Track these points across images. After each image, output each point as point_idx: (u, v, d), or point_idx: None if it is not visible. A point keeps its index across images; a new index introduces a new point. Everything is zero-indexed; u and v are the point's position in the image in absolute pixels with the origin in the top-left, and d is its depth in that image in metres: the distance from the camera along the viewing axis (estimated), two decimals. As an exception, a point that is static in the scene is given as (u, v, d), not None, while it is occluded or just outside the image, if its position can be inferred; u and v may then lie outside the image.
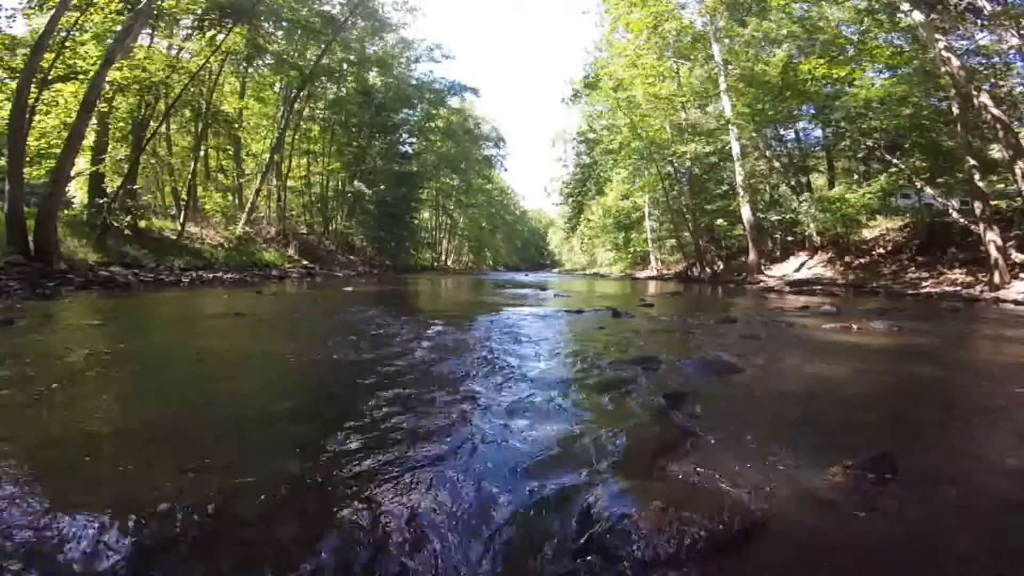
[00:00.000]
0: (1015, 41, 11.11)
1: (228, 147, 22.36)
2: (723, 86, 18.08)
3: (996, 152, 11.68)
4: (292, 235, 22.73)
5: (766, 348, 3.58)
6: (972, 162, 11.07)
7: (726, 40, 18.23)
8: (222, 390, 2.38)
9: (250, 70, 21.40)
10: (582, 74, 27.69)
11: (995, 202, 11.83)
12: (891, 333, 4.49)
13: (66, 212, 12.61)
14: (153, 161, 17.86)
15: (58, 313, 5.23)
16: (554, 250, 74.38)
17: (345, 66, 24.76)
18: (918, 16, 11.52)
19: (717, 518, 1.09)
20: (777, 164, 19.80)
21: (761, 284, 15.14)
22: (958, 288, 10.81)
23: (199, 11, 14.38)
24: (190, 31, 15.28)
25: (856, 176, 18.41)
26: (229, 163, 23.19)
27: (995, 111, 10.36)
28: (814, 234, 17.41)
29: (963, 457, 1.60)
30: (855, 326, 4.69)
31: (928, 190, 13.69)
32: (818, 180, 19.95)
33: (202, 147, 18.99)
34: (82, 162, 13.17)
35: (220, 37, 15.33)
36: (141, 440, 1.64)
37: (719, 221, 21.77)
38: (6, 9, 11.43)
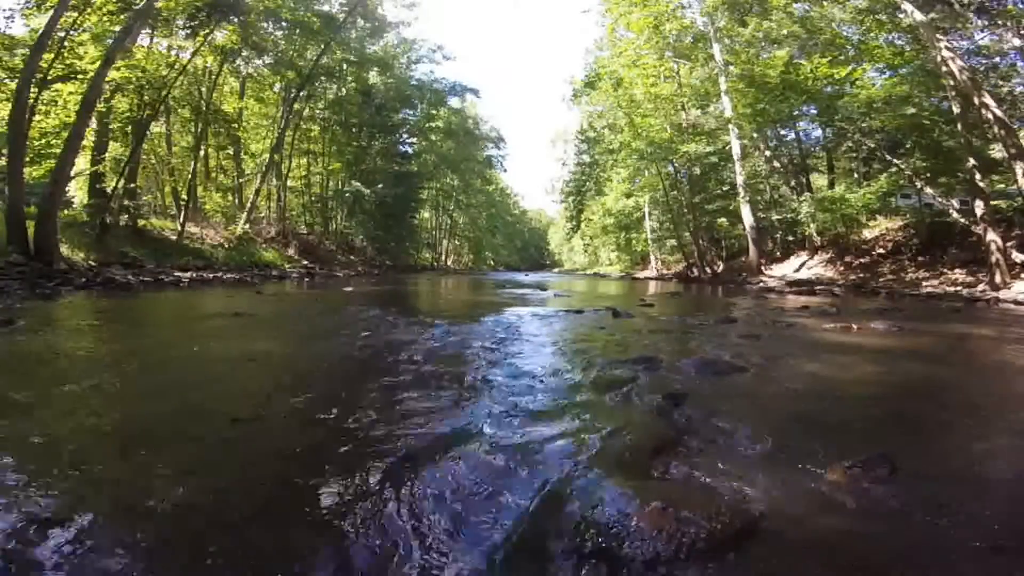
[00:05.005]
0: (1016, 42, 11.11)
1: (228, 147, 22.33)
2: (724, 86, 18.07)
3: (997, 152, 11.68)
4: (292, 235, 22.72)
5: (766, 348, 3.58)
6: (973, 162, 11.07)
7: (727, 40, 18.22)
8: (222, 390, 2.37)
9: (248, 69, 21.37)
10: (583, 74, 27.67)
11: (995, 202, 11.82)
12: (891, 333, 4.49)
13: (66, 212, 12.60)
14: (153, 161, 17.86)
15: (58, 313, 5.23)
16: (554, 250, 74.35)
17: (345, 66, 24.75)
18: (919, 16, 11.51)
19: (716, 518, 1.09)
20: (777, 164, 19.79)
21: (761, 284, 15.13)
22: (958, 288, 10.80)
23: (192, 10, 14.34)
24: (187, 31, 15.25)
25: (856, 176, 18.40)
26: (229, 163, 23.18)
27: (996, 111, 10.35)
28: (814, 234, 17.42)
29: (962, 457, 1.60)
30: (855, 326, 4.68)
31: (928, 190, 13.68)
32: (818, 180, 19.94)
33: (202, 147, 18.98)
34: (82, 162, 13.17)
35: (211, 34, 15.32)
36: (141, 440, 1.64)
37: (719, 221, 21.77)
38: (4, 10, 11.44)
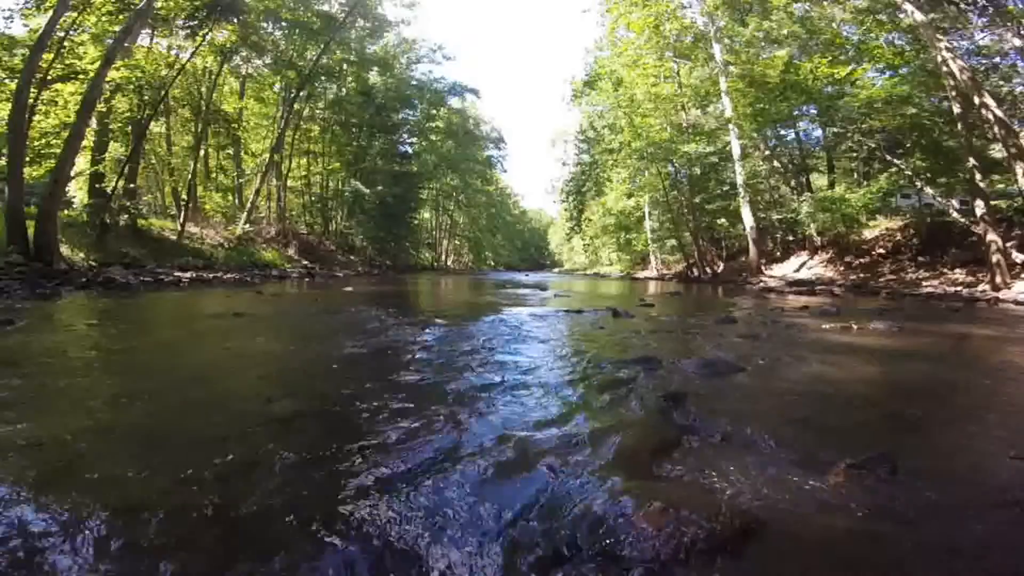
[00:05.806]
0: (1016, 42, 11.10)
1: (228, 147, 22.34)
2: (724, 86, 18.06)
3: (997, 152, 11.68)
4: (292, 235, 22.71)
5: (766, 348, 3.58)
6: (973, 162, 11.06)
7: (727, 40, 18.21)
8: (221, 390, 2.37)
9: (248, 69, 21.36)
10: (583, 74, 27.68)
11: (995, 202, 11.82)
12: (891, 333, 4.48)
13: (66, 212, 12.60)
14: (153, 161, 17.86)
15: (58, 313, 5.23)
16: (554, 250, 74.27)
17: (345, 66, 24.75)
18: (919, 16, 11.51)
19: (717, 518, 1.09)
20: (777, 164, 19.78)
21: (761, 284, 15.11)
22: (959, 288, 10.79)
23: (191, 10, 14.34)
24: (187, 31, 15.24)
25: (856, 176, 18.40)
26: (229, 163, 23.18)
27: (996, 111, 10.34)
28: (814, 234, 17.40)
29: (963, 456, 1.60)
30: (855, 326, 4.68)
31: (928, 190, 13.68)
32: (818, 180, 19.93)
33: (202, 147, 18.97)
34: (82, 162, 13.17)
35: (209, 34, 15.32)
36: (140, 439, 1.64)
37: (719, 221, 21.75)
38: (4, 10, 11.43)
